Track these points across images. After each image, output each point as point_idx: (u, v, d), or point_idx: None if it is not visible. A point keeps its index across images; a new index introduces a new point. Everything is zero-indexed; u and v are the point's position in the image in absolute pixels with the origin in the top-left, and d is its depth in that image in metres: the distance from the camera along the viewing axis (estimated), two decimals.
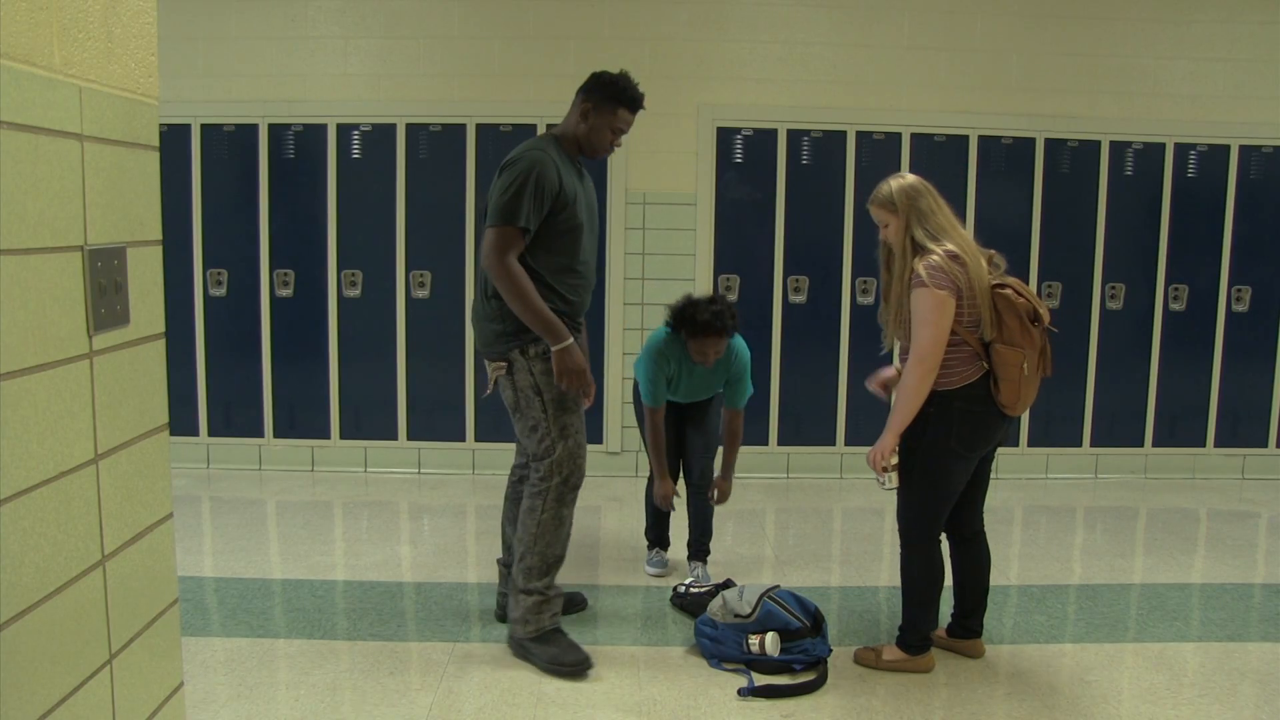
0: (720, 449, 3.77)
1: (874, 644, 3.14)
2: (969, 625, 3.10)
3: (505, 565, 3.32)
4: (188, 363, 5.27)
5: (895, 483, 2.89)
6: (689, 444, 3.77)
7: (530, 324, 2.87)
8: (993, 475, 3.08)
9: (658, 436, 3.64)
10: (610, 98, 2.98)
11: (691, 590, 3.52)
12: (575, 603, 3.45)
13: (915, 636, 2.98)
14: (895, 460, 2.87)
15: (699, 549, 3.78)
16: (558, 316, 2.90)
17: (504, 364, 2.98)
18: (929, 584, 2.96)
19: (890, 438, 2.85)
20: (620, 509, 4.80)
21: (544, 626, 2.98)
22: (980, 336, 2.78)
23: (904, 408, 2.80)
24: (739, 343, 3.62)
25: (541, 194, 2.84)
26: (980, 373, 2.79)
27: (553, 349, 2.87)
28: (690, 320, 3.43)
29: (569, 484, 2.98)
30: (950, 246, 2.76)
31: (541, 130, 5.13)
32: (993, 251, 2.87)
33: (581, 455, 3.00)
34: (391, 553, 4.11)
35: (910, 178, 2.86)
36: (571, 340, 2.89)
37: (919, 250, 2.78)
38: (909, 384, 2.77)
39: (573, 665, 2.91)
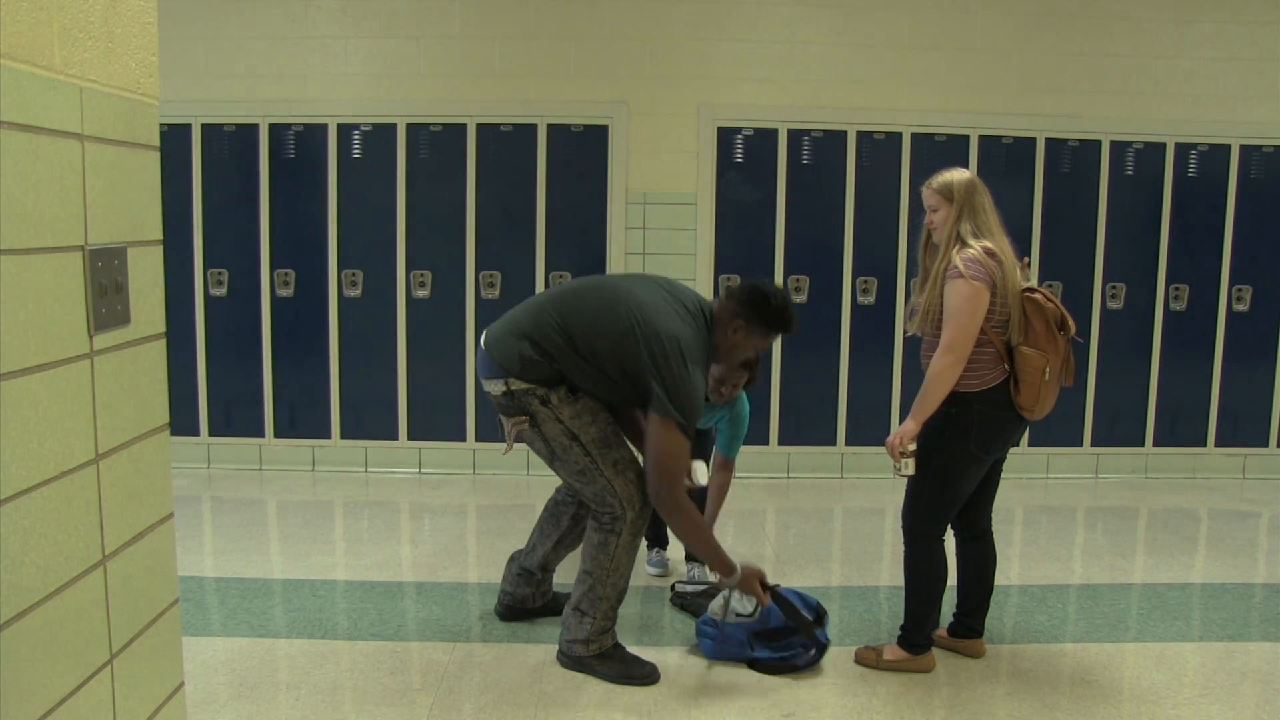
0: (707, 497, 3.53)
1: (874, 644, 3.14)
2: (970, 624, 3.10)
3: (524, 569, 3.30)
4: (188, 363, 5.27)
5: (911, 469, 2.87)
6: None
7: (703, 550, 2.92)
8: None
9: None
10: (770, 326, 2.95)
11: (688, 589, 3.53)
12: None
13: (917, 635, 2.98)
14: (913, 447, 2.85)
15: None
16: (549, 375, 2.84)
17: (525, 418, 2.85)
18: (932, 582, 2.96)
19: (912, 424, 2.83)
20: None
21: (605, 645, 2.96)
22: (1006, 339, 2.80)
23: (929, 395, 2.79)
24: (744, 398, 3.51)
25: (700, 399, 2.80)
26: (1002, 376, 2.80)
27: (732, 579, 2.93)
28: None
29: (642, 516, 2.90)
30: (989, 244, 2.79)
31: (542, 131, 5.15)
32: (1026, 259, 2.89)
33: (644, 483, 2.87)
34: (392, 553, 4.11)
35: (970, 173, 2.89)
36: (739, 576, 2.92)
37: (960, 243, 2.80)
38: (936, 372, 2.78)
39: (644, 677, 2.89)
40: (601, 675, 2.92)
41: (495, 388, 2.89)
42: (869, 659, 3.04)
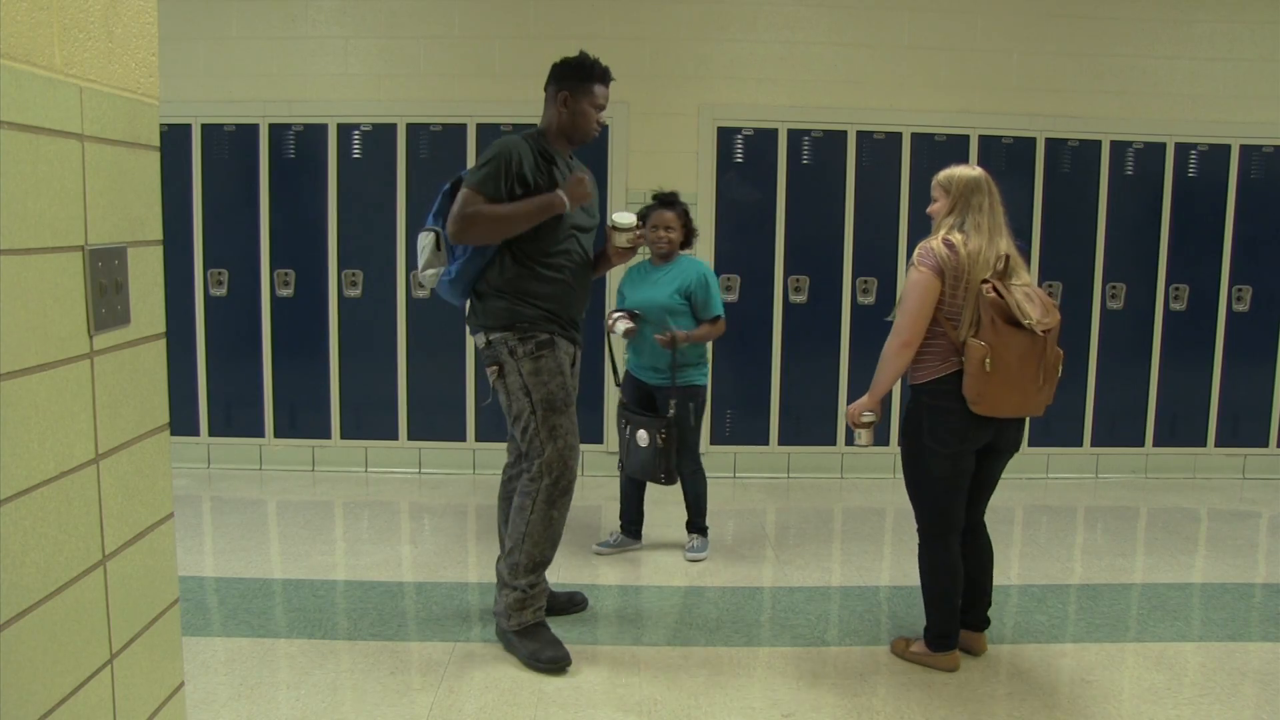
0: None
1: (874, 641, 3.15)
2: (968, 619, 3.11)
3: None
4: (188, 363, 5.27)
5: (865, 440, 3.06)
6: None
7: (525, 220, 2.89)
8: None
9: None
10: (583, 79, 3.02)
11: (687, 558, 3.99)
12: (576, 602, 3.45)
13: (933, 634, 3.01)
14: (868, 418, 3.01)
15: (694, 525, 4.07)
16: (539, 319, 2.96)
17: (496, 367, 3.00)
18: (935, 581, 2.98)
19: (866, 398, 3.00)
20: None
21: (526, 621, 3.01)
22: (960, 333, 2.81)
23: (879, 374, 2.94)
24: (694, 260, 3.98)
25: (510, 174, 2.88)
26: (951, 369, 2.82)
27: (556, 205, 2.91)
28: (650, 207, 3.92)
29: (558, 486, 2.97)
30: (955, 236, 2.81)
31: None
32: (1009, 256, 2.81)
33: (572, 457, 2.99)
34: (392, 553, 4.11)
35: (978, 172, 2.91)
36: (559, 190, 2.92)
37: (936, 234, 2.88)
38: (883, 355, 2.92)
39: (549, 661, 2.92)
40: (516, 652, 2.99)
41: (479, 340, 3.07)
42: (899, 647, 3.10)
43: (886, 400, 3.08)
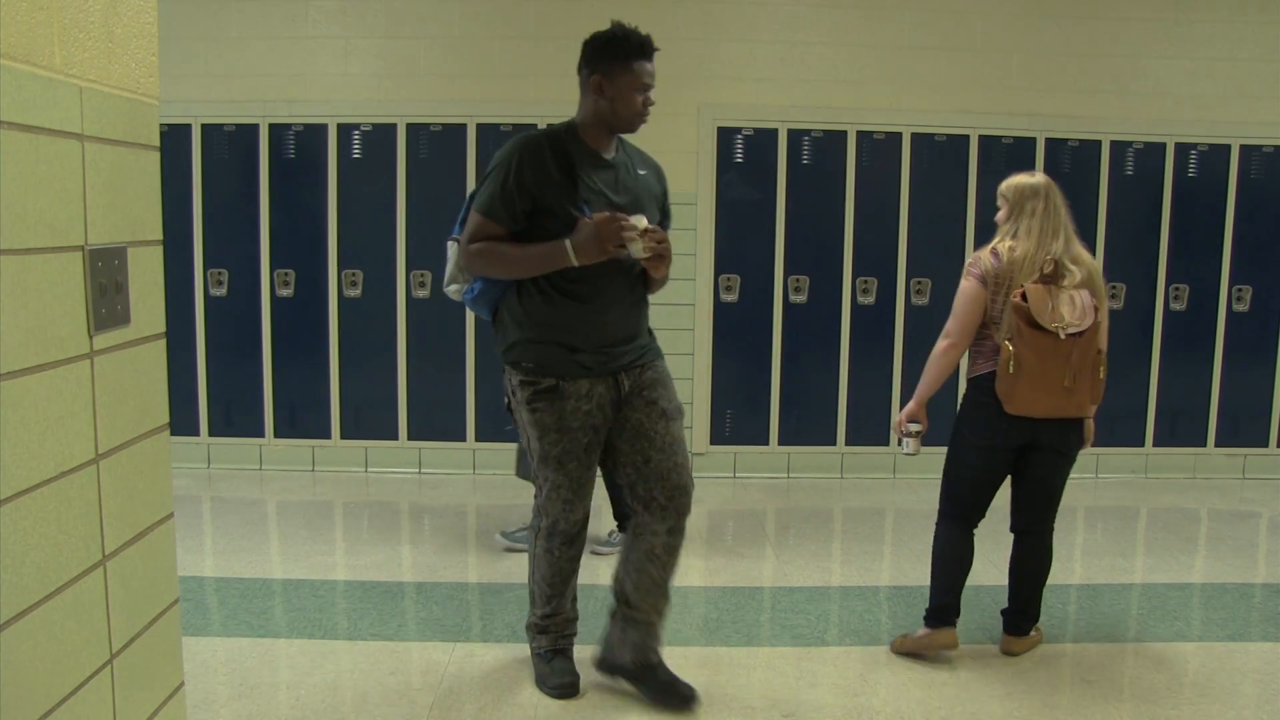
0: None
1: (874, 641, 3.17)
2: (1004, 620, 3.16)
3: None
4: (188, 363, 5.27)
5: (911, 449, 3.11)
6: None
7: (530, 268, 2.59)
8: None
9: None
10: (617, 56, 2.59)
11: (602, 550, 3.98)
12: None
13: (929, 606, 3.07)
14: (915, 427, 3.08)
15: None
16: (547, 361, 2.64)
17: (507, 399, 2.82)
18: (937, 558, 3.08)
19: (912, 404, 3.10)
20: None
21: (543, 646, 2.90)
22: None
23: (924, 376, 3.07)
24: None
25: (509, 189, 2.57)
26: (993, 368, 2.94)
27: (570, 259, 2.53)
28: None
29: (555, 529, 2.77)
30: (1005, 244, 2.94)
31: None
32: (1056, 260, 2.86)
33: (567, 511, 2.74)
34: (392, 553, 4.11)
35: (1039, 179, 3.01)
36: (567, 241, 2.52)
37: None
38: (931, 354, 3.05)
39: (554, 688, 2.82)
40: (534, 670, 2.91)
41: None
42: (896, 643, 3.13)
43: (935, 406, 3.10)
